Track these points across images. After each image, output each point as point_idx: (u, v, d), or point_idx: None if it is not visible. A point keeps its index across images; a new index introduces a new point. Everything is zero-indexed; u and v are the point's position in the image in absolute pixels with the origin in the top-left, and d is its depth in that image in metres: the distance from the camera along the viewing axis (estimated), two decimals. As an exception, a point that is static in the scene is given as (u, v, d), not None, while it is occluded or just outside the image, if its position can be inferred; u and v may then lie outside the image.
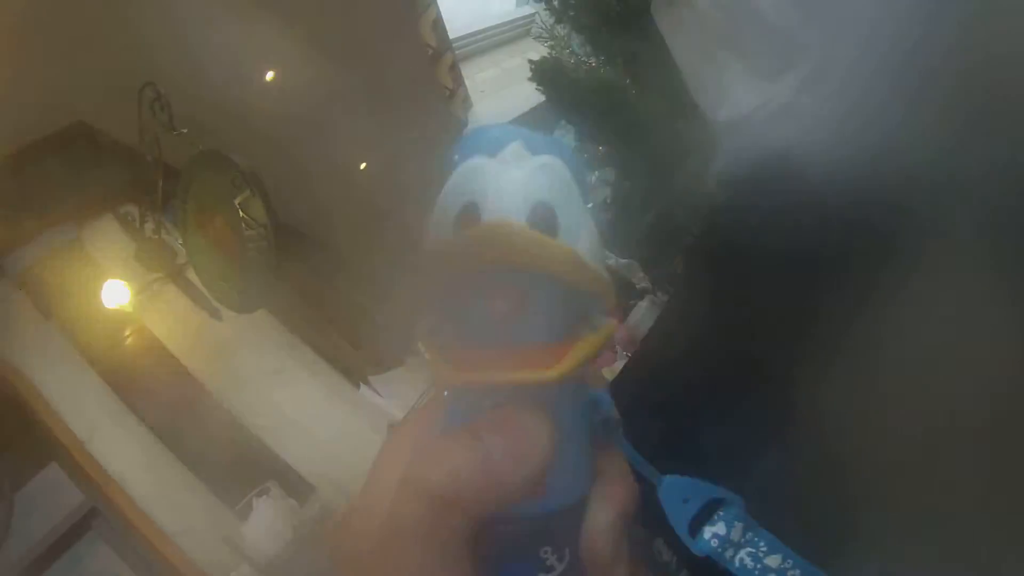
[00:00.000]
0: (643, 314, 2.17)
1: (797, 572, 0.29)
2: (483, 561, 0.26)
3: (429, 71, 2.58)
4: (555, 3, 1.89)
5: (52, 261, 1.85)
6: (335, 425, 1.96)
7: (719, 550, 0.30)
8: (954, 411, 0.39)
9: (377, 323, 2.14)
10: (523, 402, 0.26)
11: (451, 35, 2.70)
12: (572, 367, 0.25)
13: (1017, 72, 0.39)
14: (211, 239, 1.79)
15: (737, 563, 0.30)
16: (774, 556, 0.30)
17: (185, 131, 1.68)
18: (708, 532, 0.29)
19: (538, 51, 2.04)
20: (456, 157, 0.26)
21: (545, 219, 0.25)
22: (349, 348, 2.16)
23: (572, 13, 1.89)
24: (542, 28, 2.08)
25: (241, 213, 1.63)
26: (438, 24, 2.58)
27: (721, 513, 0.30)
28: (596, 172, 2.12)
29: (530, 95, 2.11)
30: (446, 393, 0.28)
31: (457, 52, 2.79)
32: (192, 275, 1.94)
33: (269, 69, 2.01)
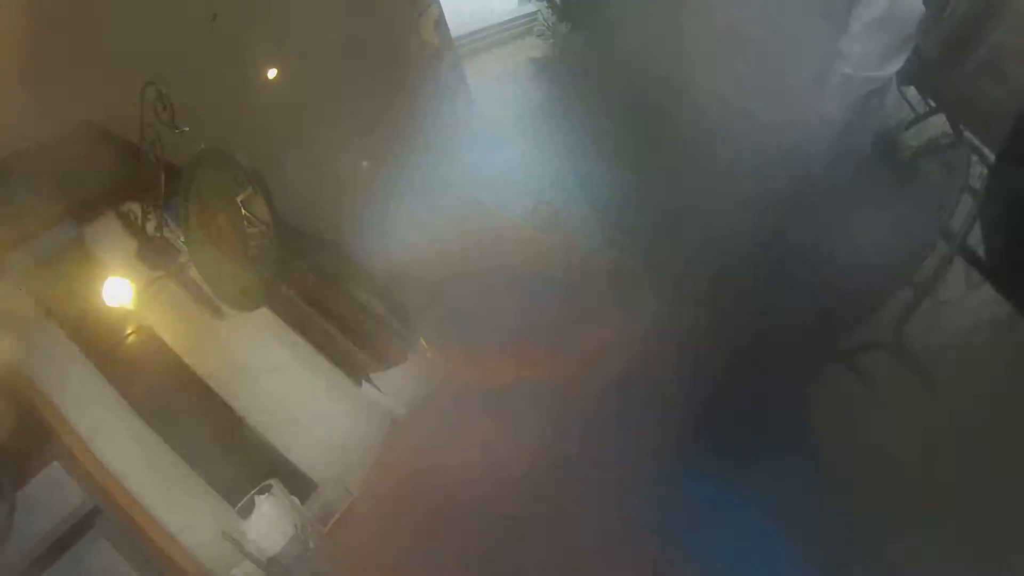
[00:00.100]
0: (644, 311, 2.16)
1: None
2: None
3: (431, 69, 2.58)
4: (557, 1, 1.89)
5: (54, 259, 1.85)
6: (337, 422, 1.95)
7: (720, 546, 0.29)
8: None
9: (379, 320, 2.14)
10: (525, 399, 0.26)
11: (453, 33, 2.70)
12: (574, 363, 0.25)
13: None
14: (213, 237, 1.79)
15: None
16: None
17: (187, 129, 1.68)
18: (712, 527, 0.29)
19: (540, 49, 2.04)
20: (458, 155, 0.26)
21: (547, 217, 0.24)
22: (351, 345, 2.16)
23: (574, 11, 1.88)
24: (544, 26, 2.08)
25: (243, 211, 1.63)
26: (440, 23, 2.57)
27: (726, 511, 0.29)
28: (597, 170, 2.11)
29: (532, 93, 2.10)
30: (447, 390, 0.28)
31: (459, 50, 2.78)
32: (194, 273, 1.94)
33: (271, 67, 2.01)
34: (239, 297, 1.79)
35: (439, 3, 2.54)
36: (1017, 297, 1.15)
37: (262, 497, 1.75)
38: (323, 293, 2.23)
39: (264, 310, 1.94)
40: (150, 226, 1.93)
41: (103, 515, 1.71)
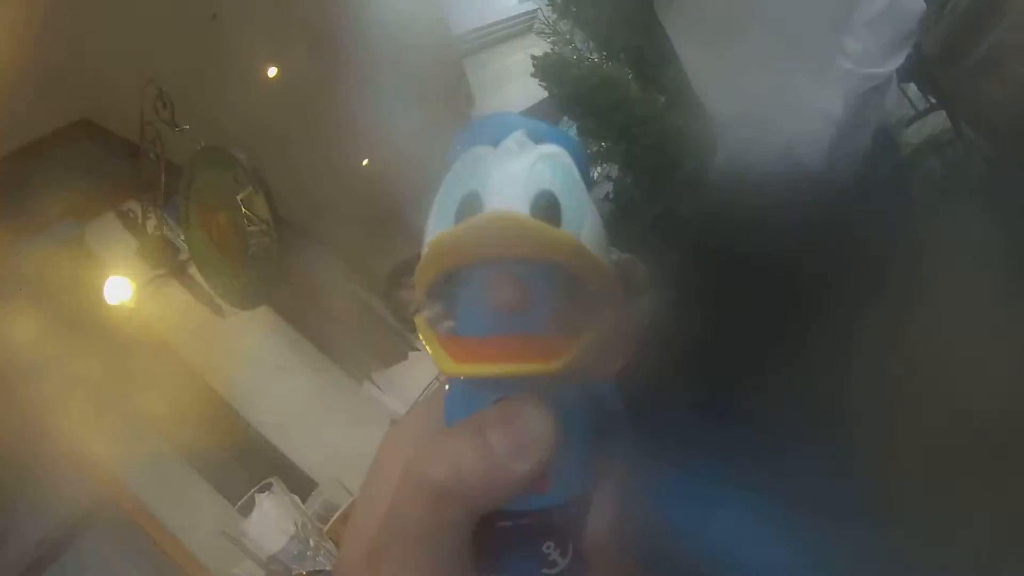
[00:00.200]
0: (645, 309, 2.16)
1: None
2: (484, 556, 0.26)
3: (431, 68, 2.58)
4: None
5: (55, 258, 1.85)
6: (338, 421, 1.96)
7: (724, 546, 0.29)
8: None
9: (379, 319, 2.14)
10: (525, 395, 0.25)
11: (453, 31, 2.70)
12: (575, 359, 0.25)
13: None
14: (213, 235, 1.79)
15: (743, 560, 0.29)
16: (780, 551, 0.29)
17: (187, 127, 1.68)
18: (713, 528, 0.29)
19: (541, 47, 2.03)
20: (458, 146, 0.26)
21: (548, 208, 0.24)
22: (352, 344, 2.16)
23: (574, 8, 1.88)
24: (544, 23, 2.07)
25: (243, 209, 1.63)
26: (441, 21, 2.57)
27: (726, 511, 0.29)
28: (598, 167, 2.11)
29: (533, 91, 2.10)
30: (447, 386, 0.28)
31: (460, 48, 2.79)
32: (194, 271, 1.95)
33: (271, 66, 2.01)
34: (239, 295, 1.79)
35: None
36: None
37: (262, 495, 1.75)
38: (324, 291, 2.24)
39: (264, 308, 1.94)
40: (150, 224, 1.93)
41: (104, 513, 1.71)
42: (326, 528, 1.77)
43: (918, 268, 0.44)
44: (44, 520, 1.65)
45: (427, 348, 0.26)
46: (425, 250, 0.25)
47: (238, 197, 1.63)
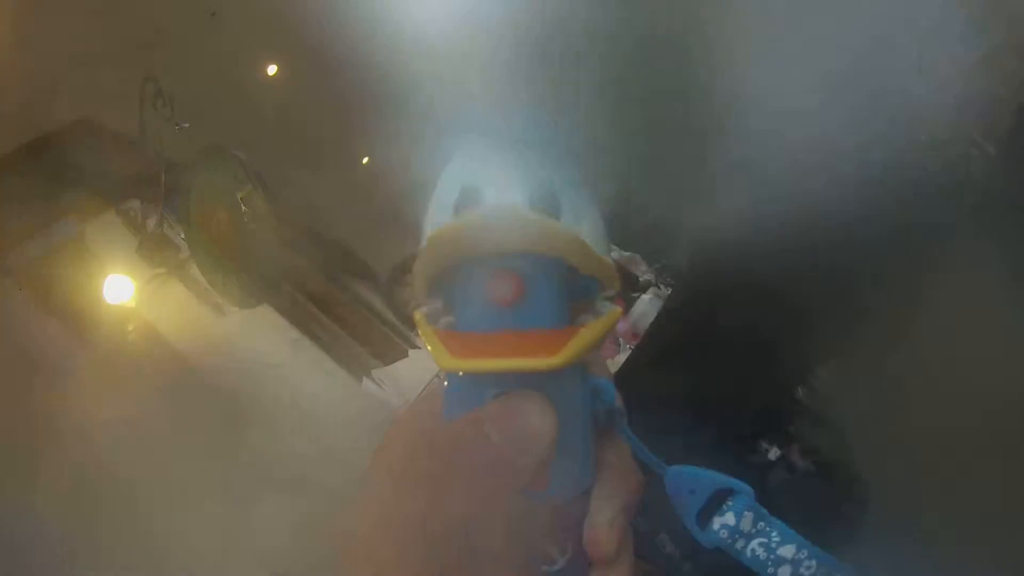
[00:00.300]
0: (646, 307, 2.16)
1: (813, 563, 0.29)
2: (483, 553, 0.26)
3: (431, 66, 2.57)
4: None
5: (54, 257, 1.85)
6: (338, 419, 1.95)
7: (729, 541, 0.29)
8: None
9: (380, 317, 2.14)
10: (525, 389, 0.25)
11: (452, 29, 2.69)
12: (575, 354, 0.25)
13: None
14: (214, 233, 1.79)
15: (749, 554, 0.29)
16: (788, 546, 0.29)
17: (187, 125, 1.68)
18: (717, 523, 0.29)
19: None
20: (456, 140, 0.26)
21: (547, 202, 0.24)
22: (352, 342, 2.16)
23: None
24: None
25: (243, 207, 1.63)
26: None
27: (730, 503, 0.29)
28: (598, 165, 2.11)
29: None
30: (446, 382, 0.28)
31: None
32: (195, 270, 1.95)
33: (272, 64, 2.00)
34: (240, 294, 1.79)
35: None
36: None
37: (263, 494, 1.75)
38: (324, 290, 2.23)
39: (265, 307, 1.94)
40: (150, 223, 1.93)
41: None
42: (326, 525, 1.76)
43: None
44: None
45: (426, 344, 0.26)
46: (424, 244, 0.25)
47: (238, 195, 1.63)
